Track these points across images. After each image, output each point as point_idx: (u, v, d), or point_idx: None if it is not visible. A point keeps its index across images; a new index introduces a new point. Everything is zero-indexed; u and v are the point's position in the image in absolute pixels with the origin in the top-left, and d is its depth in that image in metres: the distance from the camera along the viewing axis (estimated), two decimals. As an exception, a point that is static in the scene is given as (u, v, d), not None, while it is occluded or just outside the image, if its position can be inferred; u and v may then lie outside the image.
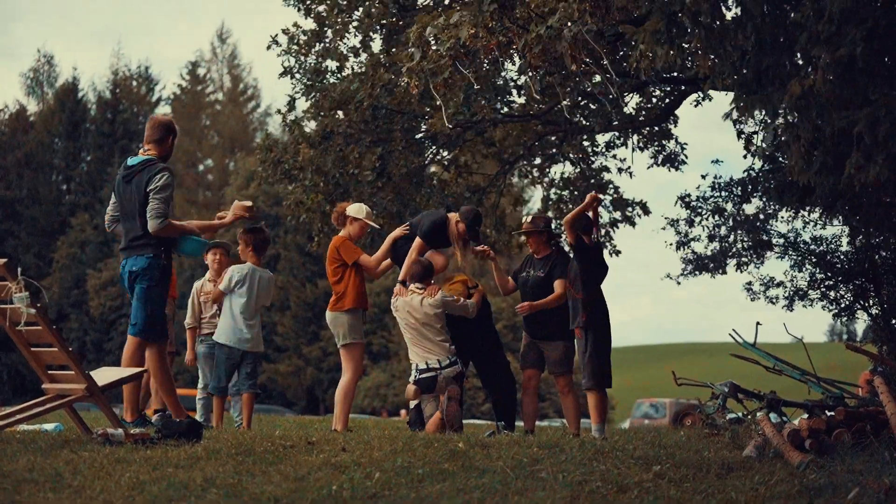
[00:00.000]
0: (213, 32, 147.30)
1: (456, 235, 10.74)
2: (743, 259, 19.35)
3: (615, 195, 21.68)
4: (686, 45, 9.97)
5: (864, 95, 8.56)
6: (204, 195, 71.77)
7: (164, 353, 9.31)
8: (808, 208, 16.51)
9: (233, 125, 76.03)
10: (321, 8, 18.19)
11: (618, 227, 21.76)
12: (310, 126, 18.28)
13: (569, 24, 9.95)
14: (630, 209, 21.76)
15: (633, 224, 21.79)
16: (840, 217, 15.33)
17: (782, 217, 18.66)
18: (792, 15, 8.38)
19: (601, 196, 10.92)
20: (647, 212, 21.75)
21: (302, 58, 18.39)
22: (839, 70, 8.36)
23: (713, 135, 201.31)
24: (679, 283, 20.74)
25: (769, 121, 10.04)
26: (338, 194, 17.67)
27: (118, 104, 70.57)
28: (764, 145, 12.10)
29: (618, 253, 21.73)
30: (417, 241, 10.70)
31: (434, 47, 11.41)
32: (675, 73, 16.93)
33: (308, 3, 18.25)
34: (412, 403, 10.38)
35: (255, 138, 75.52)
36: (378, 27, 18.07)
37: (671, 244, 20.42)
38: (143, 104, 72.88)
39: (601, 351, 10.46)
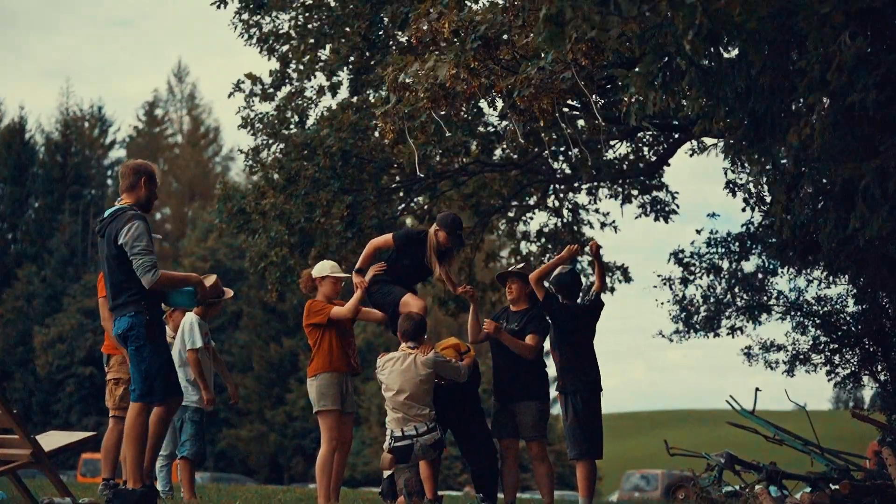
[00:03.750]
0: (169, 71, 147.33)
1: (434, 245, 10.62)
2: (737, 323, 19.08)
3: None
4: (678, 90, 9.96)
5: (870, 146, 8.62)
6: (160, 245, 71.59)
7: (167, 414, 8.78)
8: (810, 267, 16.50)
9: (192, 170, 76.01)
10: (285, 48, 18.27)
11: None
12: (274, 172, 18.15)
13: (561, 66, 9.96)
14: (611, 273, 21.76)
15: (612, 290, 21.79)
16: (845, 276, 15.34)
17: (783, 274, 18.51)
18: (795, 61, 8.43)
19: (595, 244, 10.71)
20: (628, 279, 21.75)
21: (264, 105, 18.40)
22: (840, 119, 8.42)
23: (710, 186, 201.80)
24: (672, 342, 20.22)
25: (768, 168, 10.11)
26: (303, 246, 17.60)
27: (69, 147, 70.32)
28: (763, 189, 12.12)
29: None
30: (384, 237, 10.82)
31: (411, 88, 11.41)
32: (668, 120, 16.96)
33: (271, 42, 18.33)
34: (385, 473, 10.25)
35: (216, 185, 75.58)
36: (345, 66, 18.10)
37: (661, 303, 19.90)
38: (95, 147, 72.74)
39: (585, 418, 10.35)
